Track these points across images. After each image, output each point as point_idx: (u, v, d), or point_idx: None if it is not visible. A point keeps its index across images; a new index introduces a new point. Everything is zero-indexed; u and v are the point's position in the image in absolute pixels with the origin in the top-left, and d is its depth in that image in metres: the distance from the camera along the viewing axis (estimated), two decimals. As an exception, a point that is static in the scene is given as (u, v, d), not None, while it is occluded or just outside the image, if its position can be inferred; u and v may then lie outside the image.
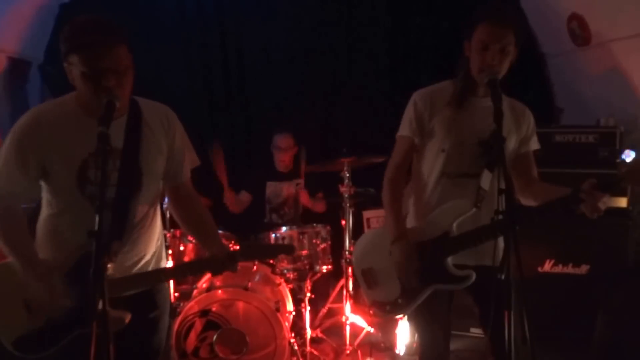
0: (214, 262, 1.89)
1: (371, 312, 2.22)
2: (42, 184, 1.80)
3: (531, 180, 2.13)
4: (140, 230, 1.87)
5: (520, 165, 2.13)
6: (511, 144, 2.08)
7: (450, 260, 2.01)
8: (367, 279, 2.21)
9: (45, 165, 1.73)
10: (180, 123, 1.96)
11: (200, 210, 2.04)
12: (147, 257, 1.92)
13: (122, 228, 1.76)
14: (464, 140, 2.03)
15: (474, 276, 1.99)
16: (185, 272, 2.02)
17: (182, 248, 3.57)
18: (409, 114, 2.13)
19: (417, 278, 2.03)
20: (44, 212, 1.85)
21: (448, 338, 2.21)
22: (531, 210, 1.98)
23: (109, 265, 1.67)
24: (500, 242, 1.93)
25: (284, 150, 4.11)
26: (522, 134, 2.12)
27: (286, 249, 2.23)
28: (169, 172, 1.91)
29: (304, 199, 4.07)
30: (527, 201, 2.11)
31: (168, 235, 3.38)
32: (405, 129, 2.14)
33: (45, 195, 1.83)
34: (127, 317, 1.75)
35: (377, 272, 2.17)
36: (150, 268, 1.93)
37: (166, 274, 2.00)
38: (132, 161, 1.77)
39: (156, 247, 1.97)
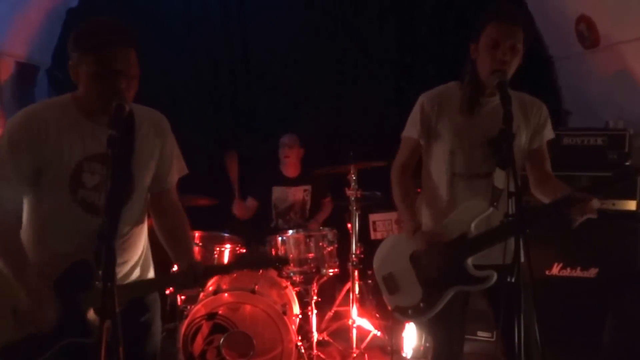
0: (183, 277, 1.80)
1: (394, 315, 2.21)
2: (31, 190, 1.72)
3: (544, 176, 2.12)
4: (130, 236, 1.83)
5: (532, 160, 2.13)
6: (522, 139, 2.07)
7: (470, 261, 2.00)
8: (388, 285, 2.20)
9: (39, 167, 1.68)
10: (171, 132, 1.92)
11: (180, 221, 1.97)
12: (132, 263, 1.86)
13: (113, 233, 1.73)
14: (472, 141, 2.03)
15: (495, 276, 1.97)
16: (153, 287, 1.92)
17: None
18: (415, 115, 2.14)
19: (440, 269, 2.01)
20: (27, 220, 1.78)
21: (462, 341, 2.20)
22: (533, 213, 1.97)
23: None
24: (510, 241, 1.92)
25: (288, 146, 4.10)
26: (532, 128, 2.11)
27: (280, 260, 2.08)
28: (155, 177, 1.88)
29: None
30: (540, 197, 2.10)
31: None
32: (410, 130, 2.15)
33: (29, 202, 1.75)
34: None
35: (398, 277, 2.16)
36: (135, 274, 1.88)
37: (140, 287, 1.89)
38: (125, 167, 1.71)
39: (142, 254, 1.91)
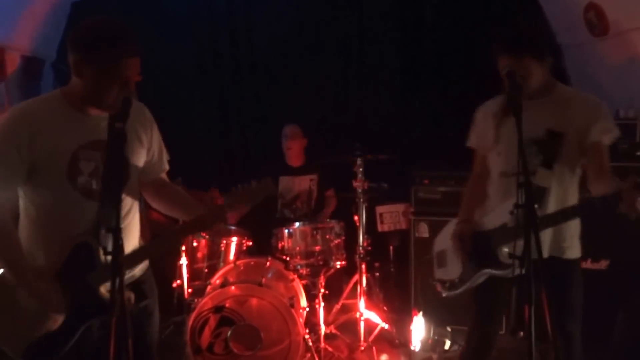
0: (205, 217, 1.90)
1: (434, 284, 2.50)
2: (26, 185, 1.75)
3: (599, 173, 2.09)
4: (131, 220, 1.90)
5: (588, 156, 2.13)
6: (571, 136, 2.10)
7: (504, 248, 2.10)
8: (438, 260, 2.48)
9: (34, 162, 1.70)
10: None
11: (175, 189, 2.09)
12: (135, 247, 1.94)
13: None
14: (515, 142, 2.03)
15: (517, 267, 1.99)
16: (181, 234, 2.06)
17: (195, 244, 3.58)
18: (472, 127, 2.39)
19: (466, 254, 2.25)
20: (26, 214, 1.80)
21: (498, 326, 2.42)
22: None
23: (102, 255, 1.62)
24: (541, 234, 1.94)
25: (290, 137, 4.11)
26: (583, 123, 2.10)
27: (266, 186, 2.07)
28: (149, 164, 1.96)
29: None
30: (595, 193, 2.08)
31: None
32: (469, 140, 2.41)
33: (28, 196, 1.77)
34: (132, 298, 1.77)
35: (447, 254, 2.40)
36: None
37: (166, 239, 2.05)
38: (121, 155, 1.75)
39: (138, 242, 1.99)
